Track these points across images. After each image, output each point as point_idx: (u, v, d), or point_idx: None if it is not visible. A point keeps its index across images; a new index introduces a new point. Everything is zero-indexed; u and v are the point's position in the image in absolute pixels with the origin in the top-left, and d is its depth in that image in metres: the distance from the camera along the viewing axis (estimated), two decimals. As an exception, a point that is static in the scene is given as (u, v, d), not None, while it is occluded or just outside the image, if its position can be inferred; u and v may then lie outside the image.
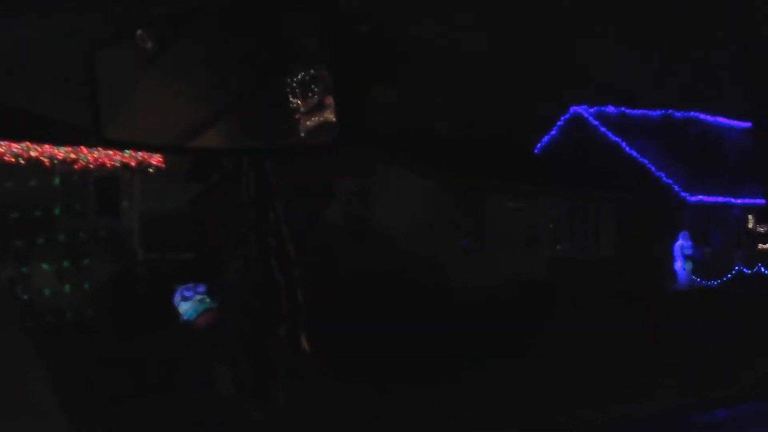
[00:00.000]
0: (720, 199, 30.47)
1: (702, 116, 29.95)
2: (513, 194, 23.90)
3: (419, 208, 21.51)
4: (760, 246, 33.90)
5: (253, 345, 10.06)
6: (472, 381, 11.70)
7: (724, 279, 28.16)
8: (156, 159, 15.23)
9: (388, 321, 15.52)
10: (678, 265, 27.46)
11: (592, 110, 31.23)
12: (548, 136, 32.29)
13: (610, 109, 31.05)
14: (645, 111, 30.24)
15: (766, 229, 34.15)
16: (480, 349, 13.47)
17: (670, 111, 29.72)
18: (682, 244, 27.37)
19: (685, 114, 29.58)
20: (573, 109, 31.65)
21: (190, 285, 10.86)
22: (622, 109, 30.74)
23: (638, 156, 29.83)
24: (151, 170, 15.62)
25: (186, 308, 10.73)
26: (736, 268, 28.54)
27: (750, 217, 33.33)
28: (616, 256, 26.79)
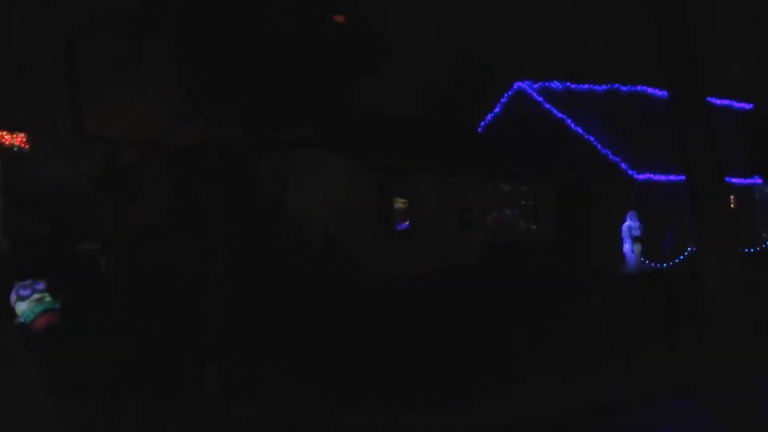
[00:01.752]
0: (671, 177, 29.59)
1: (650, 90, 29.02)
2: (446, 174, 22.82)
3: (342, 192, 20.43)
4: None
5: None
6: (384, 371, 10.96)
7: (676, 261, 27.36)
8: (19, 139, 13.95)
9: (307, 310, 14.99)
10: (626, 247, 26.58)
11: (536, 86, 30.26)
12: (491, 114, 31.32)
13: (555, 84, 30.10)
14: (591, 86, 29.28)
15: (721, 208, 33.44)
16: (399, 338, 12.77)
17: (617, 85, 28.75)
18: (629, 224, 26.46)
19: (632, 88, 28.62)
20: (516, 84, 30.67)
21: (28, 282, 9.67)
22: (567, 84, 29.79)
23: (584, 133, 28.91)
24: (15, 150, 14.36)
25: (23, 309, 9.52)
26: (689, 249, 27.73)
27: (705, 196, 32.59)
28: (558, 238, 25.88)
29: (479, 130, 31.28)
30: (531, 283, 18.17)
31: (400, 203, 21.46)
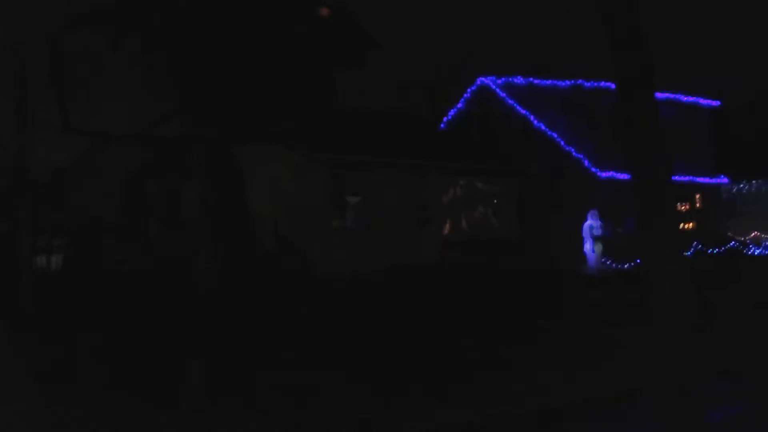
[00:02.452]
0: (634, 175, 29.39)
1: (613, 86, 28.67)
2: (403, 171, 22.38)
3: (294, 188, 19.91)
4: (682, 226, 33.03)
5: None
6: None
7: (638, 261, 27.09)
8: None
9: (254, 307, 14.67)
10: (587, 246, 26.30)
11: (499, 81, 29.89)
12: (454, 110, 30.94)
13: (519, 79, 29.74)
14: (554, 81, 28.96)
15: (686, 207, 33.30)
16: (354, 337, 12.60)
17: (580, 81, 28.44)
18: (591, 224, 26.18)
19: (596, 84, 28.32)
20: (479, 80, 30.30)
21: None
22: (531, 79, 29.44)
23: (547, 129, 28.58)
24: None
25: None
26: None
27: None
28: (520, 236, 25.55)
29: (442, 126, 30.88)
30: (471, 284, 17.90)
31: (355, 200, 20.99)
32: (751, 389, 10.28)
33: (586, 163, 27.93)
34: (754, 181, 39.70)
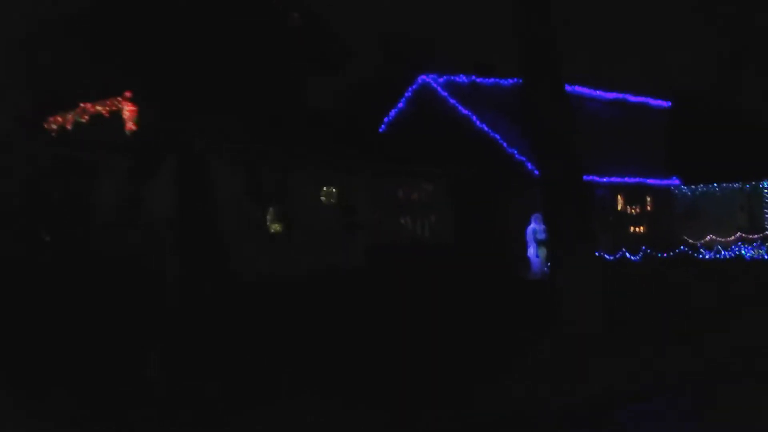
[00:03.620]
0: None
1: (558, 85, 27.94)
2: (329, 173, 21.38)
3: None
4: (632, 229, 32.36)
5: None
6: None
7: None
8: None
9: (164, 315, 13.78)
10: (530, 251, 25.45)
11: (441, 79, 29.01)
12: (395, 110, 30.01)
13: (461, 78, 28.90)
14: (497, 80, 28.15)
15: (637, 210, 32.61)
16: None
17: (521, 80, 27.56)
18: (534, 227, 25.31)
19: (539, 82, 27.51)
20: (421, 78, 29.39)
21: None
22: (473, 78, 28.60)
23: (489, 130, 27.74)
24: None
25: None
26: (597, 253, 26.72)
27: (619, 197, 31.70)
28: (457, 241, 24.61)
29: (383, 127, 29.95)
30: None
31: (276, 203, 19.95)
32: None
33: (529, 165, 27.10)
34: (713, 185, 39.25)
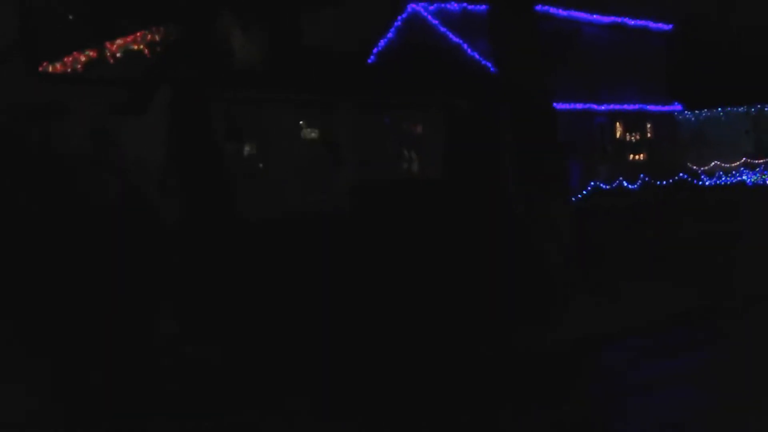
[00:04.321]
0: (577, 105, 27.97)
1: (552, 10, 27.14)
2: (308, 107, 20.74)
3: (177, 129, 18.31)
4: (631, 157, 31.73)
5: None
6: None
7: (579, 196, 25.82)
8: None
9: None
10: (524, 183, 24.97)
11: (431, 7, 28.18)
12: (384, 40, 29.24)
13: (452, 5, 28.05)
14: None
15: (637, 137, 31.92)
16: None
17: (516, 5, 26.73)
18: (527, 158, 24.82)
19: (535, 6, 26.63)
20: (410, 6, 28.56)
21: None
22: (465, 4, 27.75)
23: (481, 58, 26.99)
24: None
25: None
26: (592, 183, 26.27)
27: (618, 125, 31.01)
28: (447, 177, 24.05)
29: (372, 58, 29.18)
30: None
31: (248, 139, 19.36)
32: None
33: (522, 93, 26.41)
34: (717, 109, 38.46)
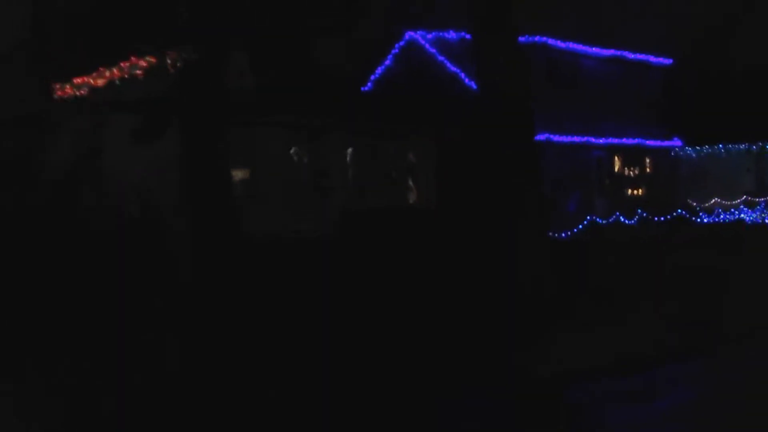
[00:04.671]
0: (574, 138, 27.71)
1: (551, 41, 26.94)
2: (298, 133, 20.56)
3: (164, 151, 18.08)
4: (630, 192, 31.42)
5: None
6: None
7: (575, 230, 25.48)
8: None
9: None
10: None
11: (429, 36, 28.05)
12: (381, 67, 29.06)
13: (450, 34, 27.90)
14: (487, 36, 27.06)
15: (635, 172, 31.64)
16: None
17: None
18: (522, 190, 24.51)
19: (530, 39, 26.44)
20: (408, 34, 28.42)
21: None
22: (463, 34, 27.56)
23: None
24: None
25: None
26: (588, 217, 25.94)
27: (617, 159, 30.74)
28: (439, 206, 23.79)
29: (369, 84, 29.02)
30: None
31: (239, 164, 19.14)
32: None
33: (519, 124, 26.15)
34: (718, 146, 38.15)
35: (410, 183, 23.52)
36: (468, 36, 27.72)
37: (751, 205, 34.65)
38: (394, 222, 21.17)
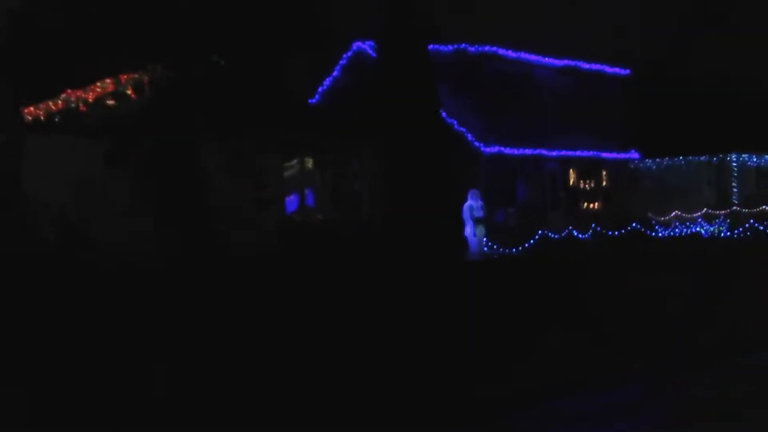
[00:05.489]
0: (526, 151, 27.25)
1: (501, 51, 26.50)
2: (235, 145, 19.90)
3: (86, 167, 17.42)
4: (586, 205, 31.01)
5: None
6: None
7: (526, 245, 24.94)
8: None
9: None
10: (467, 230, 24.10)
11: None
12: (330, 78, 28.49)
13: (399, 44, 27.33)
14: (436, 45, 26.59)
15: (591, 185, 31.24)
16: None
17: (464, 45, 26.10)
18: (470, 204, 23.96)
19: (480, 48, 26.00)
20: (356, 44, 27.89)
21: None
22: (412, 43, 27.04)
23: (427, 99, 26.25)
24: None
25: None
26: (540, 232, 25.41)
27: (572, 172, 30.31)
28: (385, 219, 23.16)
29: (317, 96, 28.45)
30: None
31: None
32: None
33: (469, 137, 25.72)
34: (678, 158, 37.88)
35: (357, 194, 22.93)
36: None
37: (710, 218, 34.40)
38: (329, 235, 20.57)
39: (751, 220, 25.81)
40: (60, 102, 20.39)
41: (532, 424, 8.68)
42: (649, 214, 33.79)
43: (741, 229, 25.90)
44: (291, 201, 21.23)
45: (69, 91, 19.98)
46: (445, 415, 8.81)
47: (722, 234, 27.89)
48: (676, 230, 29.35)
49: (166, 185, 17.24)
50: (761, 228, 24.86)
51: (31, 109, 20.16)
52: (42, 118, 19.80)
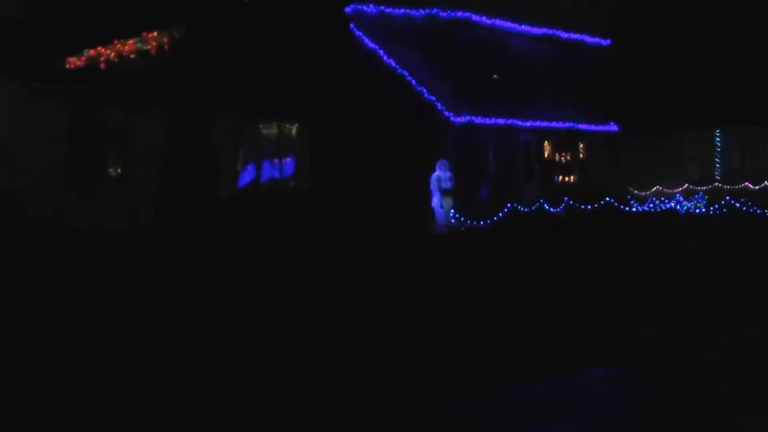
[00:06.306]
0: (498, 120, 26.62)
1: (475, 17, 25.75)
2: (179, 110, 19.21)
3: (14, 129, 16.75)
4: (561, 178, 30.42)
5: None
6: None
7: (495, 218, 24.39)
8: None
9: None
10: (434, 201, 23.58)
11: (347, 9, 26.80)
12: (297, 42, 27.74)
13: (370, 8, 26.66)
14: (408, 10, 25.89)
15: (569, 158, 30.65)
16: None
17: (436, 10, 25.36)
18: (438, 175, 23.41)
19: (452, 14, 25.26)
20: (326, 8, 27.14)
21: None
22: (383, 8, 26.37)
23: (397, 66, 25.61)
24: None
25: None
26: (508, 204, 24.86)
27: (547, 144, 29.67)
28: (348, 191, 22.60)
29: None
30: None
31: (108, 145, 17.82)
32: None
33: (438, 106, 25.08)
34: (660, 132, 37.26)
35: (309, 166, 22.27)
36: (388, 10, 26.61)
37: (692, 194, 33.90)
38: (285, 207, 19.99)
39: (727, 197, 25.25)
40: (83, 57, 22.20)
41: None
42: (630, 189, 33.29)
43: (717, 206, 25.38)
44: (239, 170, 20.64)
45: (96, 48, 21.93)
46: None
47: (699, 210, 27.37)
48: (652, 206, 28.84)
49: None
50: (737, 205, 24.34)
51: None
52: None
